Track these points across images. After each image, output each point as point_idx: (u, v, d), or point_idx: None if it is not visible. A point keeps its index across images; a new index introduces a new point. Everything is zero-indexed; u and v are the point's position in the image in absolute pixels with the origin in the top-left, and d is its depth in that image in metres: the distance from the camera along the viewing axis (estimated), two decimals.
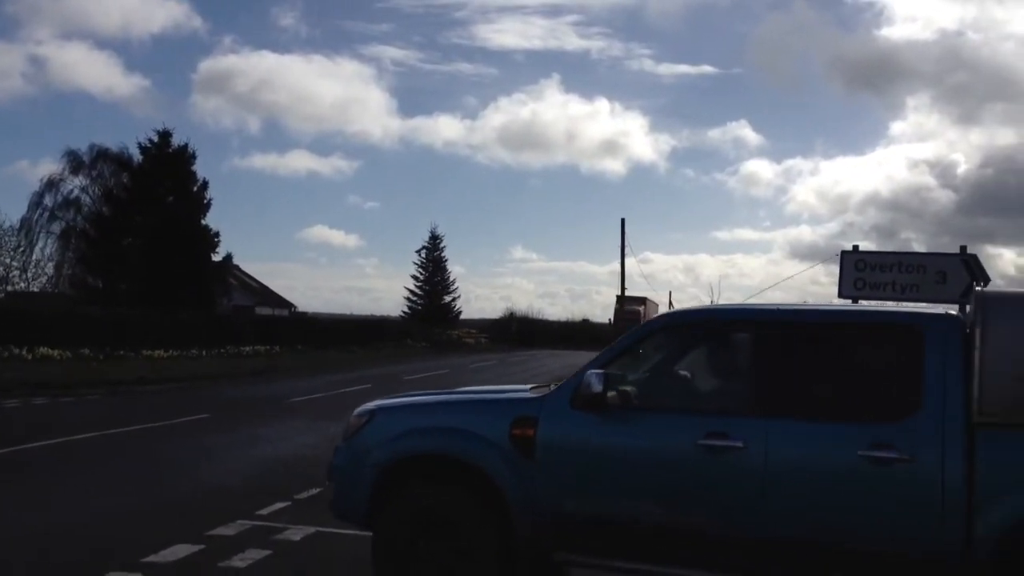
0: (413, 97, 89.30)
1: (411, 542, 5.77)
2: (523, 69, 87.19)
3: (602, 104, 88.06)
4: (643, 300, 73.22)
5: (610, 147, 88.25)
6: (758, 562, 5.21)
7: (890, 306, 5.69)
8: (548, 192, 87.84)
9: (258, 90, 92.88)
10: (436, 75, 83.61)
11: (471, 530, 5.68)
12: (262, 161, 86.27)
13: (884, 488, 4.99)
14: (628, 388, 5.67)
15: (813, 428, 5.23)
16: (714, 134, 77.96)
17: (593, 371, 5.52)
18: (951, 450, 4.89)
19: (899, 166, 70.75)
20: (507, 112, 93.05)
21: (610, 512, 5.48)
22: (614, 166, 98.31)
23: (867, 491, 5.01)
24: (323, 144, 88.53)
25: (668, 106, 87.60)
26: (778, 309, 6.04)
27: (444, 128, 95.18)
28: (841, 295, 14.13)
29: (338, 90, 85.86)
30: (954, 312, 5.55)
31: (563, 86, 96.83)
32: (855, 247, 14.05)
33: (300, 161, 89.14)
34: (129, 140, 60.23)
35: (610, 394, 5.49)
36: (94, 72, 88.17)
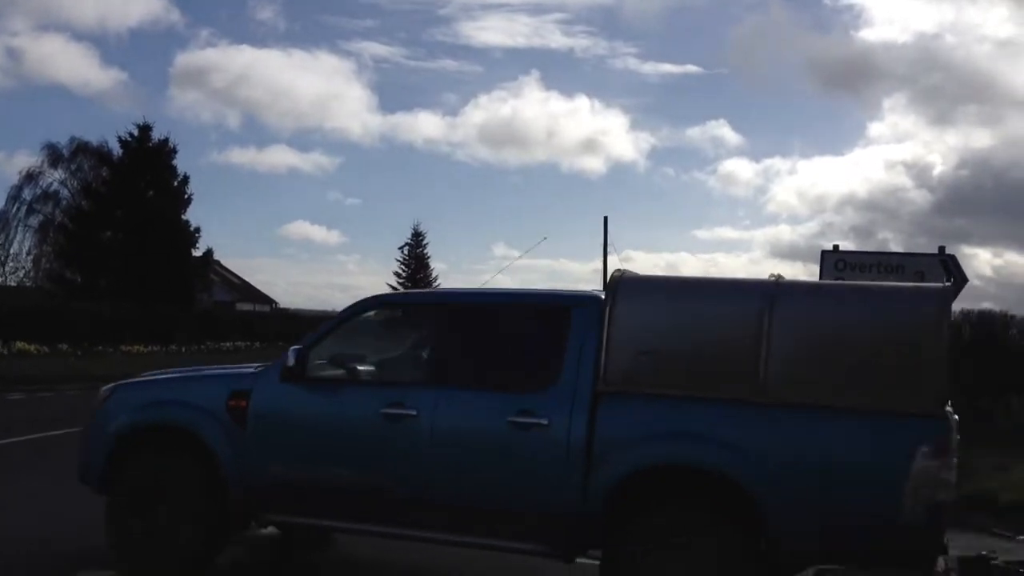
0: (394, 93, 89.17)
1: (138, 506, 6.27)
2: (505, 66, 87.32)
3: (583, 102, 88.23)
4: None
5: (590, 145, 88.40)
6: (433, 519, 5.78)
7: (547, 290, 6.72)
8: (528, 189, 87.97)
9: (237, 85, 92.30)
10: (417, 72, 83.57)
11: (190, 495, 6.21)
12: (241, 156, 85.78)
13: (526, 450, 5.61)
14: (329, 363, 6.24)
15: (473, 397, 5.90)
16: (694, 133, 78.23)
17: (292, 348, 6.16)
18: (578, 416, 5.52)
19: (876, 167, 71.41)
20: (487, 109, 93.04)
21: (310, 476, 6.04)
22: (594, 164, 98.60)
23: (513, 453, 5.64)
24: (303, 140, 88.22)
25: (649, 105, 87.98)
26: (449, 293, 6.98)
27: (425, 125, 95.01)
28: None
29: (318, 85, 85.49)
30: (599, 294, 6.00)
31: (543, 83, 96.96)
32: (835, 247, 14.13)
33: (280, 157, 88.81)
34: (106, 134, 59.59)
35: (314, 368, 6.15)
36: (71, 65, 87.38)
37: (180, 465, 6.30)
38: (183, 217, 45.13)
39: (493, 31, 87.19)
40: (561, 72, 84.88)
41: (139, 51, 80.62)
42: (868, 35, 75.28)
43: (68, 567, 6.57)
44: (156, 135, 46.24)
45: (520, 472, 5.61)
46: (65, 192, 51.67)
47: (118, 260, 42.10)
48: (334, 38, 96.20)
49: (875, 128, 78.72)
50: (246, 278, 73.56)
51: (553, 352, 5.75)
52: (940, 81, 66.50)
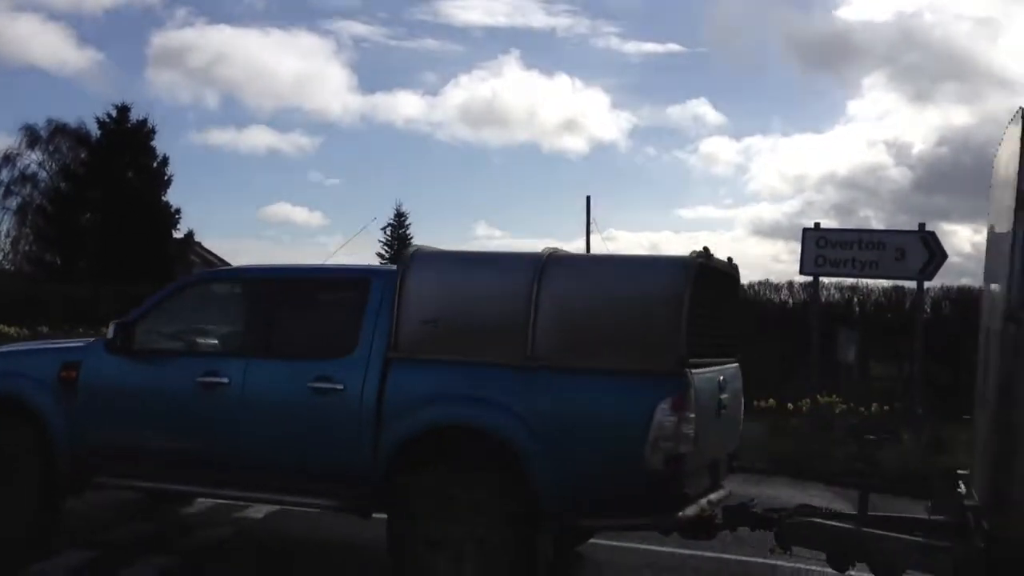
0: (373, 73, 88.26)
1: None
2: (485, 45, 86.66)
3: (564, 81, 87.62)
4: None
5: (571, 125, 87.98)
6: (247, 479, 6.20)
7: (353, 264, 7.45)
8: (510, 169, 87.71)
9: (215, 65, 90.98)
10: (397, 51, 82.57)
11: (24, 462, 6.57)
12: (220, 137, 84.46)
13: (325, 414, 6.04)
14: (154, 336, 6.67)
15: (280, 365, 6.31)
16: (675, 112, 77.87)
17: (116, 321, 6.58)
18: (370, 381, 5.95)
19: (857, 145, 71.25)
20: (468, 89, 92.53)
21: (135, 442, 6.43)
22: (576, 143, 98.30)
23: (314, 417, 6.06)
24: (282, 120, 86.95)
25: (631, 84, 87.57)
26: (262, 268, 7.30)
27: (405, 105, 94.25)
28: (803, 272, 14.28)
29: (297, 65, 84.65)
30: (395, 268, 6.38)
31: (524, 63, 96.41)
32: (816, 225, 14.19)
33: (260, 137, 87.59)
34: (83, 115, 58.81)
35: (140, 341, 6.55)
36: (46, 45, 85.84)
37: (14, 434, 6.67)
38: (163, 198, 44.77)
39: (474, 10, 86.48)
40: (542, 51, 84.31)
41: (115, 31, 79.22)
42: (847, 14, 74.98)
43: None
44: (134, 116, 45.83)
45: (321, 434, 6.06)
46: (43, 174, 51.04)
47: (97, 242, 41.78)
48: (313, 17, 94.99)
49: (855, 106, 78.63)
50: (228, 260, 73.19)
51: (352, 322, 6.18)
52: (919, 60, 66.49)
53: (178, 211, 45.30)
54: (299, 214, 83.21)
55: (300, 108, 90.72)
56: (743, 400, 7.04)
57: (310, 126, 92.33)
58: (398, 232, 73.87)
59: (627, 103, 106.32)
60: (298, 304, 6.70)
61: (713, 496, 6.20)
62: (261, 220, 77.16)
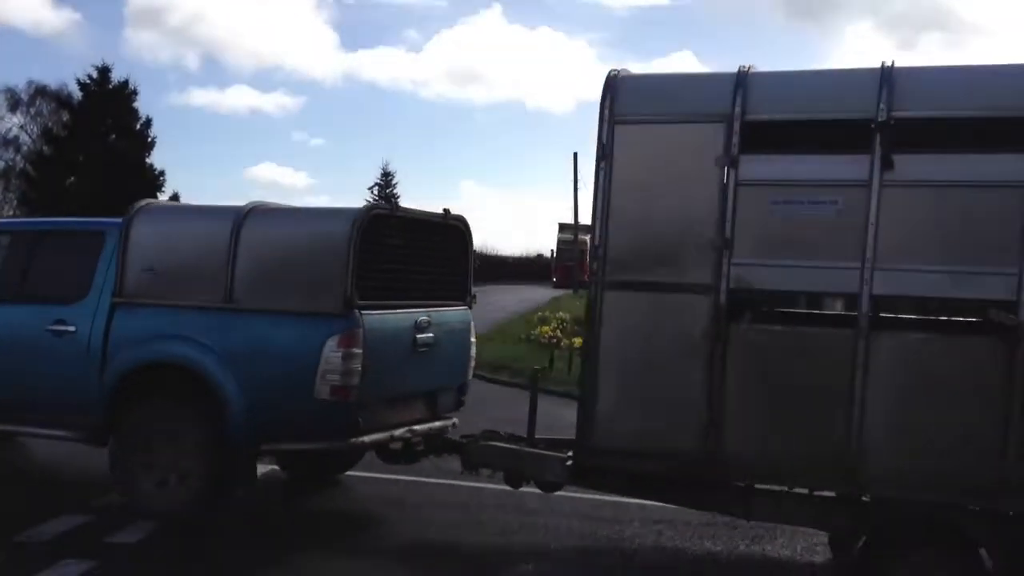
0: (355, 30, 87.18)
1: None
2: (467, 0, 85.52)
3: (547, 35, 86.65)
4: (586, 228, 70.30)
5: (555, 80, 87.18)
6: None
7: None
8: (494, 127, 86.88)
9: (193, 24, 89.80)
10: (379, 7, 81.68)
11: None
12: (202, 97, 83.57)
13: (60, 354, 6.76)
14: None
15: (25, 309, 7.03)
16: (659, 65, 77.34)
17: None
18: (98, 323, 6.69)
19: None
20: (451, 45, 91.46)
21: None
22: (560, 99, 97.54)
23: (51, 356, 6.78)
24: (264, 80, 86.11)
25: (614, 38, 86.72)
26: (13, 221, 8.45)
27: (388, 62, 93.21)
28: None
29: (277, 23, 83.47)
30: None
31: (506, 17, 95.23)
32: None
33: (242, 97, 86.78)
34: (62, 76, 58.23)
35: None
36: (21, 4, 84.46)
37: None
38: (147, 161, 44.39)
39: None
40: (524, 5, 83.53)
41: None
42: None
43: (51, 510, 6.59)
44: (115, 77, 45.28)
45: (57, 372, 6.74)
46: (25, 137, 50.59)
47: (81, 205, 41.46)
48: None
49: (839, 57, 78.35)
50: None
51: (87, 270, 6.87)
52: (904, 8, 66.21)
53: (162, 173, 44.97)
54: (285, 175, 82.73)
55: (282, 67, 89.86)
56: (471, 339, 7.67)
57: (292, 85, 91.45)
58: (385, 192, 73.55)
59: (612, 57, 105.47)
60: (44, 254, 7.27)
61: (423, 426, 6.99)
62: (247, 181, 76.77)
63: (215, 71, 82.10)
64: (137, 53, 71.28)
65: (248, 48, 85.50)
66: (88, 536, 6.15)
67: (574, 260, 65.02)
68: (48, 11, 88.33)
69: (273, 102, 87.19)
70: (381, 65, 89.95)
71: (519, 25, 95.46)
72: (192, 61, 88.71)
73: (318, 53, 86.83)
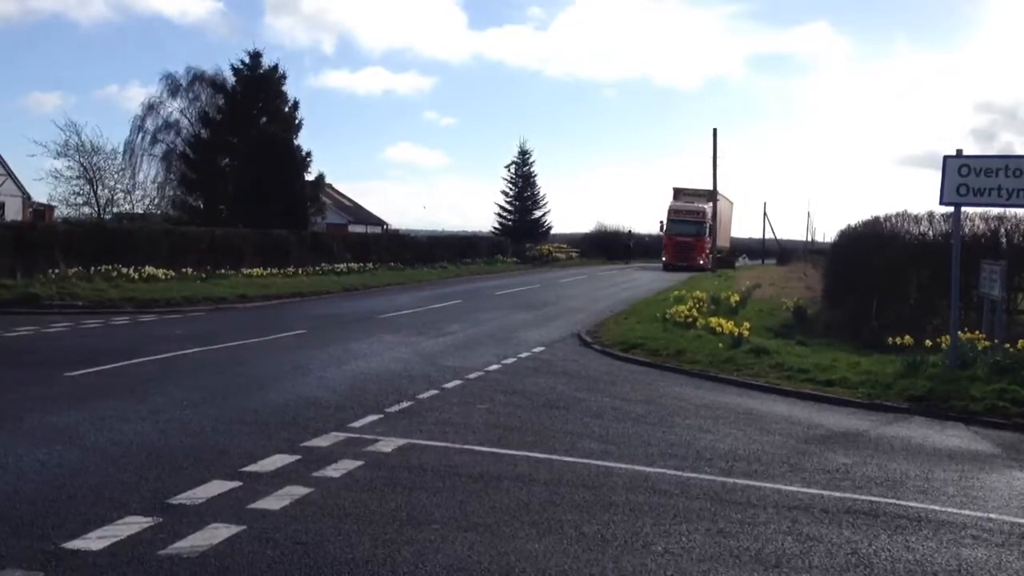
0: (482, 10, 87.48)
1: None
2: None
3: (674, 8, 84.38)
4: (709, 194, 61.70)
5: (682, 54, 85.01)
6: None
7: None
8: (623, 102, 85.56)
9: (327, 8, 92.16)
10: None
11: None
12: (337, 79, 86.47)
13: None
14: None
15: None
16: (792, 37, 74.32)
17: None
18: None
19: (993, 64, 66.23)
20: (576, 21, 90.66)
21: None
22: (688, 74, 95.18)
23: None
24: (396, 61, 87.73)
25: (744, 10, 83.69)
26: None
27: (515, 41, 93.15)
28: (942, 202, 13.54)
29: (407, 5, 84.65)
30: None
31: None
32: (959, 151, 13.38)
33: (375, 78, 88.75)
34: (209, 62, 61.07)
35: None
36: None
37: None
38: (295, 142, 46.06)
39: None
40: None
41: None
42: None
43: (202, 474, 6.95)
44: (266, 62, 47.23)
45: None
46: (184, 121, 53.31)
47: (235, 185, 43.42)
48: None
49: (990, 21, 73.35)
50: (359, 201, 74.98)
51: None
52: None
53: (309, 154, 46.66)
54: (421, 154, 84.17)
55: (412, 48, 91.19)
56: None
57: (423, 66, 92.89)
58: (522, 170, 74.10)
59: (742, 30, 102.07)
60: None
61: None
62: (385, 161, 78.83)
63: (349, 54, 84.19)
64: (277, 38, 74.04)
65: (379, 31, 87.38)
66: (235, 502, 6.46)
67: (691, 235, 57.21)
68: (192, 1, 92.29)
69: (406, 83, 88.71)
70: (509, 44, 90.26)
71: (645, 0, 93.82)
72: (327, 45, 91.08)
73: (447, 33, 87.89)
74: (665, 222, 59.97)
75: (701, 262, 56.90)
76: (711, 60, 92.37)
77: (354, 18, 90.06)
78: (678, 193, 62.92)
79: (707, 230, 59.07)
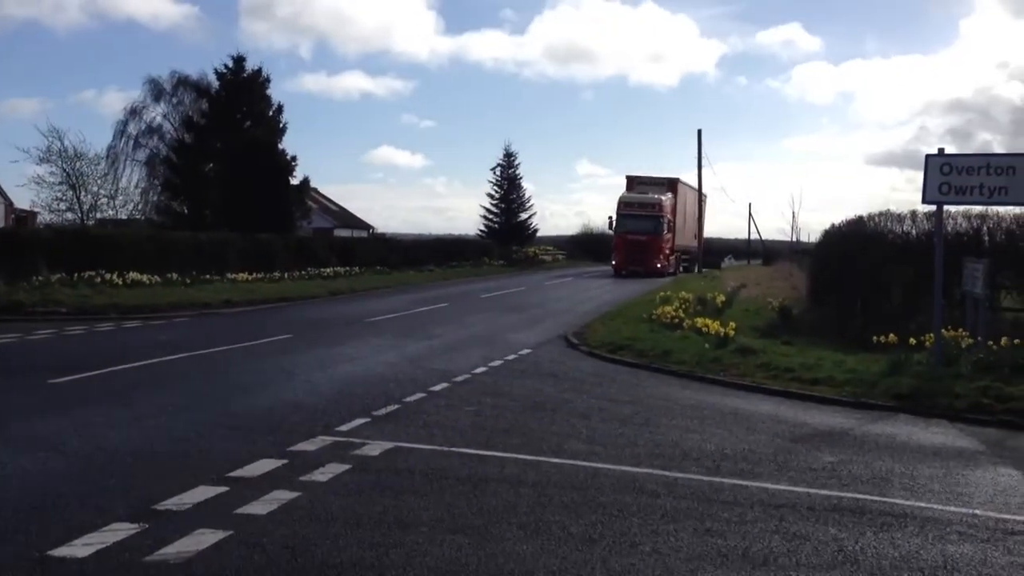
0: (456, 14, 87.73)
1: None
2: None
3: (649, 10, 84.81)
4: (670, 183, 52.40)
5: (658, 56, 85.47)
6: None
7: None
8: (600, 104, 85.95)
9: (302, 13, 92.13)
10: None
11: None
12: (315, 83, 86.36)
13: None
14: None
15: None
16: (765, 38, 74.74)
17: None
18: None
19: (968, 65, 66.94)
20: (551, 24, 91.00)
21: None
22: (664, 75, 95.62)
23: None
24: (373, 64, 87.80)
25: (718, 12, 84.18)
26: None
27: (491, 44, 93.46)
28: (925, 200, 13.63)
29: (382, 9, 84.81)
30: None
31: None
32: (940, 150, 13.47)
33: (353, 82, 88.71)
34: (185, 67, 60.70)
35: None
36: (142, 0, 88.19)
37: None
38: (280, 146, 45.90)
39: None
40: None
41: None
42: None
43: (189, 479, 6.91)
44: (249, 66, 47.09)
45: None
46: (168, 126, 53.05)
47: (220, 190, 43.23)
48: None
49: (965, 24, 74.07)
50: (344, 204, 74.85)
51: None
52: None
53: (294, 158, 46.45)
54: (402, 157, 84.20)
55: (389, 51, 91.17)
56: None
57: (401, 69, 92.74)
58: (507, 172, 74.05)
59: (715, 31, 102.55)
60: None
61: None
62: (367, 164, 78.67)
63: (325, 58, 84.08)
64: (253, 43, 73.97)
65: (355, 35, 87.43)
66: (222, 507, 6.42)
67: (646, 233, 47.11)
68: (167, 5, 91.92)
69: (384, 86, 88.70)
70: (485, 47, 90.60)
71: (618, 1, 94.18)
72: (304, 49, 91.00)
73: (423, 37, 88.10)
74: (614, 217, 49.49)
75: (659, 265, 47.81)
76: (686, 60, 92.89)
77: (329, 22, 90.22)
78: (632, 182, 52.40)
79: (665, 226, 49.10)
